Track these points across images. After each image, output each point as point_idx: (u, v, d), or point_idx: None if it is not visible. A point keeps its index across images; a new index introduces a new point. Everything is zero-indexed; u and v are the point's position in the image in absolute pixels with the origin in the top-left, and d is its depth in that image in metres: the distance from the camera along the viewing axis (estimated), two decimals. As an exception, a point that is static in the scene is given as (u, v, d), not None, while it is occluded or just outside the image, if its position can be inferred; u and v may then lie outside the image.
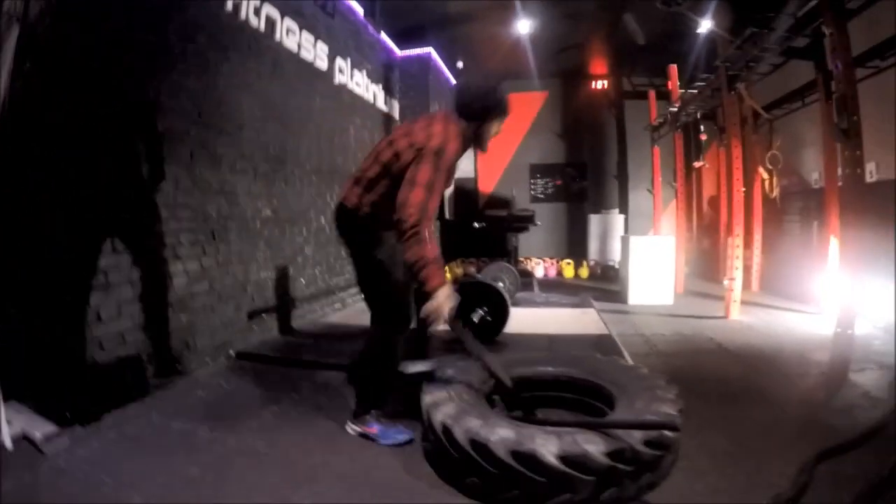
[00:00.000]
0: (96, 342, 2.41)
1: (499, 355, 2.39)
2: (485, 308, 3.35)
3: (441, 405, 1.76)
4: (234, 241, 3.41)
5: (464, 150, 1.99)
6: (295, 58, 4.12)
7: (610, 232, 6.94)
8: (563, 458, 1.45)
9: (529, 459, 1.46)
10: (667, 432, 1.58)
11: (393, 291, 2.01)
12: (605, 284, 6.07)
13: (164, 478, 1.74)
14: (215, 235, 3.23)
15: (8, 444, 1.85)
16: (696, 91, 5.13)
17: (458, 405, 1.75)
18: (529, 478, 1.47)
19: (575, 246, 7.65)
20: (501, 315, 3.42)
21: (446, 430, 1.63)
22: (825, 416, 2.33)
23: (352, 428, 2.07)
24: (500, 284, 5.09)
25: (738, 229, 4.45)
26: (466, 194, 7.78)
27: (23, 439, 1.90)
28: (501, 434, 1.54)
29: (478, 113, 1.99)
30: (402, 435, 2.01)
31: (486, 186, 7.83)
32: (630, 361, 2.84)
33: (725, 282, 4.55)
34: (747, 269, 6.06)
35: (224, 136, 3.32)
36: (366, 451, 1.96)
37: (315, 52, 4.39)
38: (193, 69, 3.00)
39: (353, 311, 4.99)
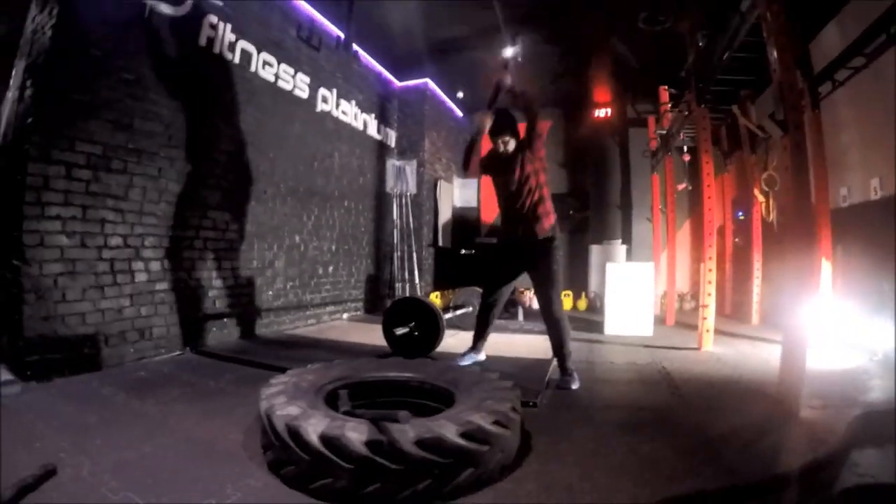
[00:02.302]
0: (60, 319, 3.04)
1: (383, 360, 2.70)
2: (412, 324, 3.61)
3: (273, 397, 1.96)
4: (198, 249, 3.98)
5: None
6: (272, 87, 4.78)
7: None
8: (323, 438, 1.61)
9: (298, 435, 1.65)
10: (449, 435, 1.63)
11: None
12: (597, 316, 6.08)
13: (70, 421, 2.30)
14: (179, 242, 3.80)
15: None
16: (678, 110, 5.25)
17: (289, 397, 1.95)
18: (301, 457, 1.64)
19: (575, 278, 7.68)
20: (434, 333, 3.66)
21: (269, 418, 1.80)
22: (727, 462, 2.00)
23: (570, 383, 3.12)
24: (469, 309, 5.33)
25: (711, 252, 4.45)
26: (466, 223, 8.06)
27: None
28: (312, 422, 1.70)
29: None
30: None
31: (489, 216, 8.09)
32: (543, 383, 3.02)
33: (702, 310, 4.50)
34: (747, 301, 5.87)
35: (196, 158, 3.96)
36: (226, 427, 2.25)
37: (294, 82, 5.05)
38: (165, 97, 3.66)
39: (326, 326, 5.39)
